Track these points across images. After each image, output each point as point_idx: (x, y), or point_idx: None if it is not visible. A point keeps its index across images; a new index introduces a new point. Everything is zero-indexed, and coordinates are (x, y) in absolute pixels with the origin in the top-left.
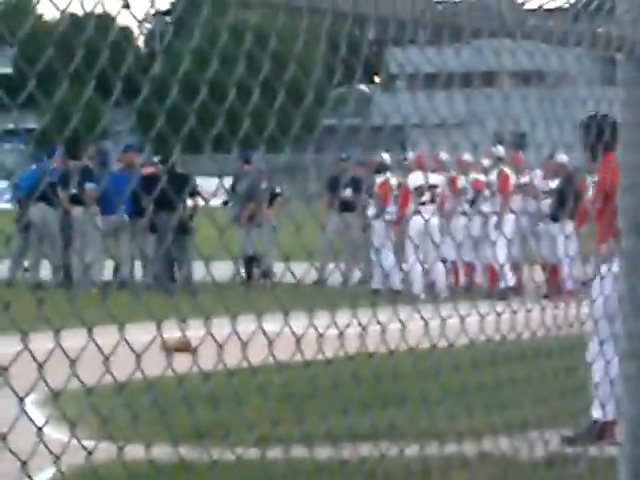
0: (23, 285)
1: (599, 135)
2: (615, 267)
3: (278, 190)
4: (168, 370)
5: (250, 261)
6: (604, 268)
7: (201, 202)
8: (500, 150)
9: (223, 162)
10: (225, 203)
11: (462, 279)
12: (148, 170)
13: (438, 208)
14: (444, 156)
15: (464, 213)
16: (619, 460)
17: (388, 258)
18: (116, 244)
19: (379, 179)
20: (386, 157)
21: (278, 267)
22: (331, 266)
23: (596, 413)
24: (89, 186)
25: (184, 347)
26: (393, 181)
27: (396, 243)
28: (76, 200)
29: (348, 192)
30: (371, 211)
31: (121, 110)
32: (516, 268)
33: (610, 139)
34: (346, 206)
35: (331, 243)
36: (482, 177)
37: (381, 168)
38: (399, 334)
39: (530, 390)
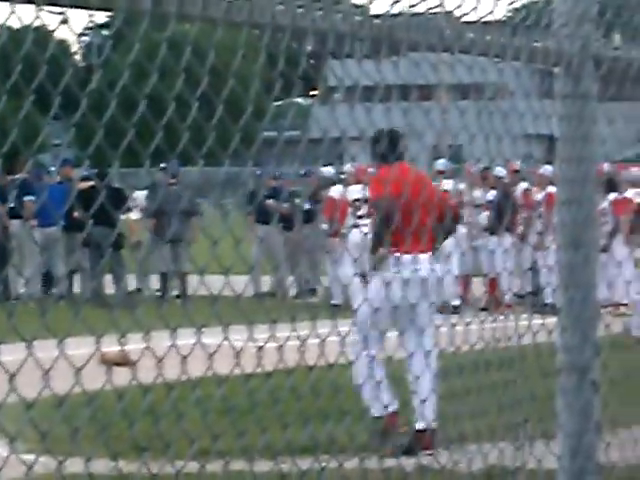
0: None
1: (390, 146)
2: (387, 274)
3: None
4: (107, 384)
5: (164, 277)
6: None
7: (135, 216)
8: (440, 164)
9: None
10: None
11: None
12: (83, 185)
13: None
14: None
15: None
16: (558, 473)
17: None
18: (51, 257)
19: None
20: (327, 170)
21: (219, 280)
22: (266, 279)
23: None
24: (28, 199)
25: (123, 361)
26: (336, 195)
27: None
28: (14, 214)
29: (272, 203)
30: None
31: (60, 124)
32: (465, 283)
33: (395, 150)
34: (282, 219)
35: (263, 255)
36: None
37: (325, 183)
38: (338, 347)
39: (468, 403)
